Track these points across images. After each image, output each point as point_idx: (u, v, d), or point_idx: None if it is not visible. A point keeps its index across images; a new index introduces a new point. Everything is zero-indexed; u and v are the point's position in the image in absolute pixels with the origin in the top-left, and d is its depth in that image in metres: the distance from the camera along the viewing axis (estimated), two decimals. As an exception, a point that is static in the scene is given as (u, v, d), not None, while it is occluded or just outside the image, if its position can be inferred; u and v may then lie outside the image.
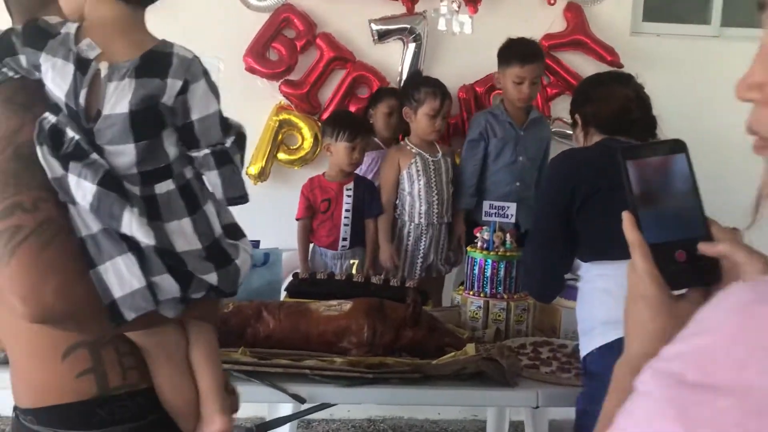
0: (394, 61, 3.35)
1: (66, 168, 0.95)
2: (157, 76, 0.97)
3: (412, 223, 2.89)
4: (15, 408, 1.08)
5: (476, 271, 2.28)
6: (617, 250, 1.71)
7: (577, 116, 2.01)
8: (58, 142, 0.96)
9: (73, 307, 0.93)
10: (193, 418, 1.09)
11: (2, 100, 0.99)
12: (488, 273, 2.26)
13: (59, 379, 1.02)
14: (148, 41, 1.01)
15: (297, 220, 2.81)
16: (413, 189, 2.88)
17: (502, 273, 2.25)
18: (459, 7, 3.32)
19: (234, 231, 1.09)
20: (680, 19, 3.57)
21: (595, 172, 1.80)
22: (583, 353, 1.77)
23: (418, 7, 3.29)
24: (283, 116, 3.28)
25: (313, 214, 2.79)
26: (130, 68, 0.96)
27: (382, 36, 3.30)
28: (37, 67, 0.97)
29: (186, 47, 1.01)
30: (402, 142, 2.97)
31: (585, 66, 3.39)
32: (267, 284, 2.25)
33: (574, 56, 3.40)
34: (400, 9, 3.29)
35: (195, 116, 1.00)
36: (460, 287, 2.39)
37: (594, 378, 1.68)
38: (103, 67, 0.96)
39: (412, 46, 3.31)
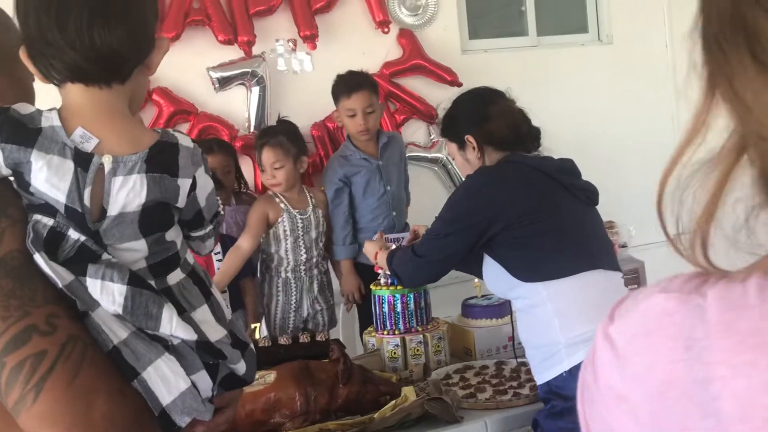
0: (240, 106, 3.21)
1: (81, 272, 0.84)
2: (167, 172, 0.90)
3: (280, 279, 2.73)
4: None
5: (386, 309, 2.21)
6: (560, 267, 1.75)
7: (469, 138, 1.93)
8: (55, 247, 0.84)
9: (126, 426, 0.82)
10: None
11: None
12: (399, 308, 2.20)
13: None
14: (139, 127, 0.93)
15: None
16: (279, 248, 2.71)
17: (412, 305, 2.21)
18: (295, 45, 3.27)
19: (232, 321, 1.03)
20: (502, 35, 3.78)
21: (518, 194, 1.80)
22: (547, 378, 1.74)
23: (256, 50, 3.18)
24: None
25: None
26: (138, 162, 0.88)
27: (223, 83, 3.15)
28: (18, 165, 0.85)
29: (182, 133, 0.98)
30: (269, 193, 2.79)
31: (426, 88, 3.48)
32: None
33: (416, 80, 3.47)
34: (238, 53, 3.16)
35: (203, 202, 0.98)
36: (371, 329, 2.30)
37: (569, 399, 1.66)
38: (107, 161, 0.87)
39: (255, 89, 3.19)
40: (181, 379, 0.88)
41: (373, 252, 2.17)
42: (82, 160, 0.86)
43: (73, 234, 0.86)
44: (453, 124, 2.06)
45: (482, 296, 2.40)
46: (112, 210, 0.87)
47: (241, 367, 0.97)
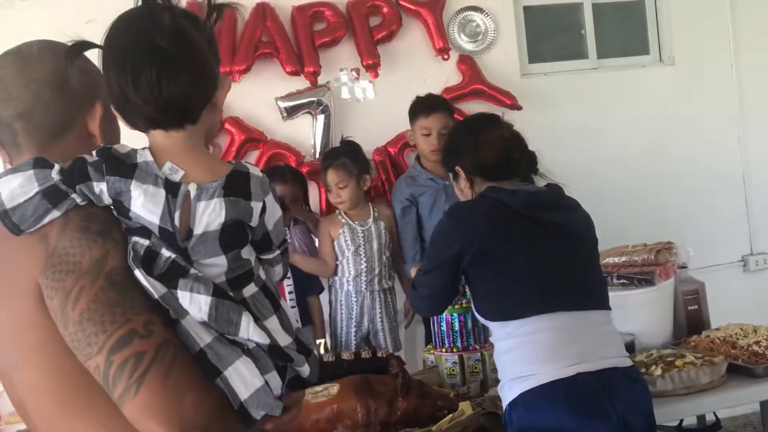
0: (306, 134, 3.36)
1: (173, 285, 0.98)
2: (241, 196, 1.04)
3: (342, 291, 2.85)
4: None
5: (444, 327, 2.29)
6: (509, 311, 1.75)
7: (458, 169, 1.94)
8: (151, 263, 0.98)
9: (210, 417, 0.95)
10: None
11: (76, 229, 0.98)
12: (456, 327, 2.28)
13: None
14: (216, 160, 1.08)
15: None
16: (342, 258, 2.86)
17: (470, 324, 2.27)
18: (358, 74, 3.41)
19: (300, 329, 1.14)
20: (562, 58, 3.83)
21: (486, 230, 1.78)
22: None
23: (321, 79, 3.33)
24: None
25: None
26: (218, 188, 1.02)
27: (291, 112, 3.32)
28: (117, 194, 0.99)
29: (252, 164, 1.11)
30: (335, 213, 2.95)
31: (487, 111, 3.55)
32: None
33: (476, 104, 3.54)
34: (304, 83, 3.32)
35: (270, 226, 1.11)
36: (430, 346, 2.38)
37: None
38: (192, 189, 1.01)
39: (321, 117, 3.34)
40: (256, 378, 0.99)
41: None
42: (172, 188, 1.00)
43: (165, 252, 0.99)
44: (446, 154, 2.10)
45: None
46: (198, 229, 1.00)
47: (305, 370, 1.08)
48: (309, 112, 3.35)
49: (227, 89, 1.12)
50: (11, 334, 1.02)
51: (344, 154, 2.94)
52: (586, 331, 1.74)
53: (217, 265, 1.02)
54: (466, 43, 3.57)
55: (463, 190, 1.96)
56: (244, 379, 0.98)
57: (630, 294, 2.39)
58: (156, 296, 0.97)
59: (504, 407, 1.75)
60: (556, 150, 3.66)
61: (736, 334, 2.27)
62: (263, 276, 1.10)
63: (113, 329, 0.93)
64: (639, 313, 2.38)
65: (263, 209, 1.07)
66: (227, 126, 3.26)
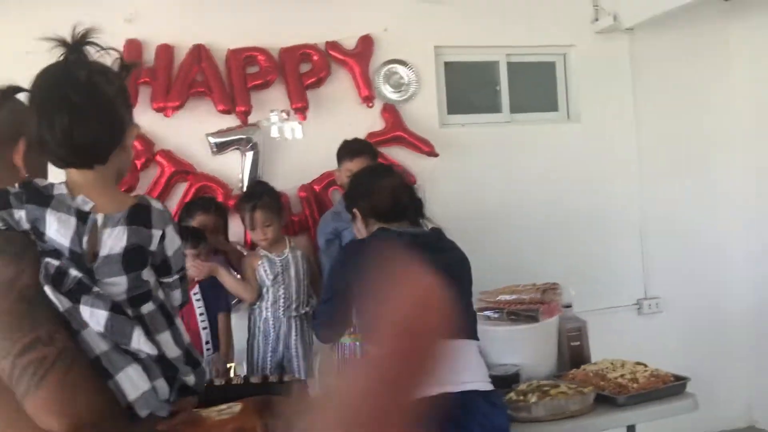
0: (235, 169, 3.55)
1: (76, 300, 1.14)
2: (142, 224, 1.23)
3: (261, 318, 3.02)
4: None
5: (347, 353, 2.49)
6: None
7: (355, 211, 2.21)
8: (60, 281, 1.15)
9: (100, 414, 1.12)
10: None
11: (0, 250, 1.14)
12: (359, 354, 2.48)
13: None
14: (122, 195, 1.28)
15: None
16: (262, 287, 3.03)
17: (370, 353, 2.48)
18: (288, 115, 3.63)
19: (191, 343, 1.31)
20: (478, 111, 4.14)
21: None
22: None
23: (252, 119, 3.54)
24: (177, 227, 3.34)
25: None
26: (122, 218, 1.21)
27: (221, 147, 3.51)
28: (35, 220, 1.16)
29: (155, 199, 1.29)
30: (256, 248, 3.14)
31: (406, 157, 3.82)
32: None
33: (397, 150, 3.81)
34: (236, 122, 3.52)
35: (170, 253, 1.28)
36: (334, 372, 2.57)
37: None
38: (100, 218, 1.20)
39: (249, 154, 3.54)
40: (144, 382, 1.18)
41: None
42: (82, 217, 1.19)
43: (73, 271, 1.17)
44: (346, 198, 2.37)
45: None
46: (103, 252, 1.19)
47: (191, 380, 1.27)
48: (238, 149, 3.54)
49: (135, 134, 1.31)
50: None
51: (268, 194, 3.14)
52: (453, 358, 1.97)
53: (119, 284, 1.20)
54: (390, 93, 3.84)
55: (360, 229, 2.20)
56: (132, 382, 1.17)
57: (517, 329, 2.65)
58: (61, 309, 1.15)
59: None
60: (469, 195, 3.99)
61: (606, 368, 2.54)
62: (161, 296, 1.29)
63: (20, 337, 1.10)
64: (525, 347, 2.64)
65: (162, 237, 1.26)
66: (158, 158, 3.42)
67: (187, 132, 3.48)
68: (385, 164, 2.41)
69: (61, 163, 1.23)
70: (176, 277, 1.33)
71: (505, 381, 2.51)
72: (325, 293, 2.13)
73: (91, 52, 1.27)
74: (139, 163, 3.39)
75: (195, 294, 2.88)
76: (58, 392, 1.09)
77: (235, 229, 3.39)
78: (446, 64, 4.03)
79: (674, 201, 4.30)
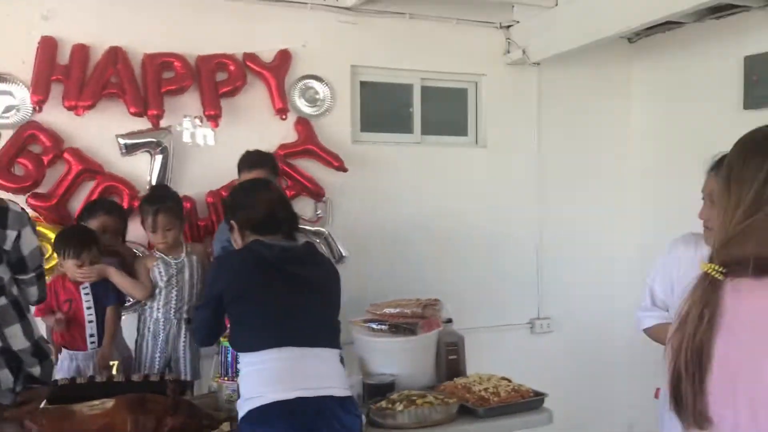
0: (144, 171, 3.61)
1: None
2: None
3: (152, 319, 3.09)
4: None
5: (229, 358, 2.59)
6: (249, 343, 2.11)
7: (232, 222, 2.32)
8: None
9: None
10: None
11: None
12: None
13: None
14: None
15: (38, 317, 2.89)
16: (156, 288, 3.09)
17: (252, 357, 2.58)
18: (201, 121, 3.71)
19: (43, 337, 1.41)
20: (390, 130, 4.31)
21: (240, 278, 2.16)
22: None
23: (165, 123, 3.61)
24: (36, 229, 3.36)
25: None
26: None
27: (130, 149, 3.56)
28: None
29: (14, 201, 1.37)
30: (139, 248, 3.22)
31: (317, 170, 3.95)
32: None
33: (308, 162, 3.94)
34: (147, 125, 3.58)
35: (26, 252, 1.42)
36: (216, 375, 2.67)
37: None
38: None
39: (159, 157, 3.60)
40: None
41: None
42: None
43: None
44: (224, 209, 2.49)
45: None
46: None
47: (36, 371, 1.37)
48: (148, 151, 3.60)
49: None
50: None
51: (171, 199, 3.21)
52: (310, 364, 2.11)
53: None
54: (304, 107, 3.97)
55: (236, 240, 2.32)
56: None
57: (396, 341, 2.80)
58: None
59: (238, 422, 2.08)
60: (376, 211, 4.15)
61: (474, 381, 2.72)
62: (15, 292, 1.38)
63: None
64: (402, 358, 2.79)
65: (18, 237, 1.36)
66: (66, 155, 3.46)
67: (98, 132, 3.53)
68: (264, 179, 2.54)
69: None
70: (32, 275, 1.43)
71: (380, 390, 2.66)
72: (202, 299, 2.25)
73: None
74: (46, 159, 3.42)
75: (84, 288, 2.93)
76: None
77: (135, 232, 3.44)
78: (362, 83, 4.19)
79: (570, 226, 4.56)
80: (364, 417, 2.45)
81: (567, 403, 4.30)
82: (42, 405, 2.39)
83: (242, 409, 2.05)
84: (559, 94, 4.55)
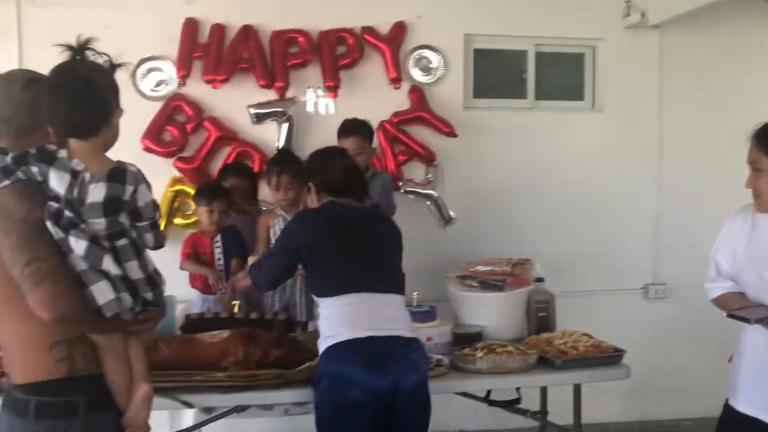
0: (272, 137, 4.02)
1: (67, 233, 1.63)
2: (119, 182, 1.69)
3: None
4: (7, 384, 1.71)
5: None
6: (329, 289, 2.39)
7: (310, 184, 2.62)
8: (58, 218, 1.64)
9: (75, 312, 1.63)
10: (127, 395, 1.75)
11: (17, 192, 1.65)
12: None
13: (44, 362, 1.65)
14: (107, 160, 1.73)
15: (182, 267, 3.42)
16: None
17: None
18: (324, 92, 4.05)
19: (157, 271, 1.77)
20: (503, 95, 4.43)
21: (320, 233, 2.46)
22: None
23: (289, 94, 3.99)
24: (178, 187, 3.91)
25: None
26: (103, 176, 1.68)
27: (260, 118, 3.98)
28: (44, 175, 1.65)
29: (131, 164, 1.73)
30: (270, 206, 3.61)
31: (428, 136, 4.17)
32: (163, 325, 2.80)
33: (420, 128, 4.17)
34: (274, 96, 3.98)
35: (140, 204, 1.74)
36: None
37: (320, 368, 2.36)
38: (87, 175, 1.67)
39: (285, 125, 4.00)
40: (110, 293, 1.65)
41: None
42: (75, 174, 1.66)
43: (68, 213, 1.65)
44: (303, 172, 2.79)
45: (417, 305, 3.04)
46: (88, 200, 1.66)
47: (149, 296, 1.74)
48: (276, 120, 4.01)
49: (119, 116, 1.77)
50: None
51: (293, 162, 3.58)
52: (380, 307, 2.39)
53: (99, 224, 1.67)
54: (418, 76, 4.19)
55: (312, 200, 2.63)
56: (101, 292, 1.65)
57: (484, 295, 3.01)
58: (56, 238, 1.63)
59: (318, 357, 2.40)
60: (487, 175, 4.31)
61: (557, 336, 2.86)
62: (134, 236, 1.75)
63: (27, 253, 1.60)
64: (489, 312, 2.99)
65: (134, 192, 1.71)
66: (206, 123, 3.94)
67: (232, 103, 3.97)
68: (338, 147, 2.81)
69: (63, 136, 1.70)
70: (146, 223, 1.77)
71: (467, 338, 2.88)
72: (276, 247, 2.60)
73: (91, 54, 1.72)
74: (189, 127, 3.92)
75: (216, 242, 3.39)
76: (47, 294, 1.59)
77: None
78: (475, 51, 4.33)
79: (692, 193, 4.44)
80: (447, 360, 2.70)
81: (674, 368, 4.30)
82: (177, 330, 2.86)
83: (321, 346, 2.37)
84: (683, 58, 4.42)
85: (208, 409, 2.96)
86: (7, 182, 1.66)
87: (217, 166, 3.97)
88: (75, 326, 1.66)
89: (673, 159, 4.47)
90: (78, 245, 1.64)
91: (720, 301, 2.33)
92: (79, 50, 1.71)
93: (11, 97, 1.76)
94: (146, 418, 1.80)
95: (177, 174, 3.93)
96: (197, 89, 3.95)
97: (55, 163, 1.66)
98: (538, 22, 4.32)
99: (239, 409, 2.89)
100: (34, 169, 1.66)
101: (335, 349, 2.31)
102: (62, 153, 1.69)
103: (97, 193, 1.67)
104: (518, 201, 4.31)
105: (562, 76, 4.51)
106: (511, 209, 4.31)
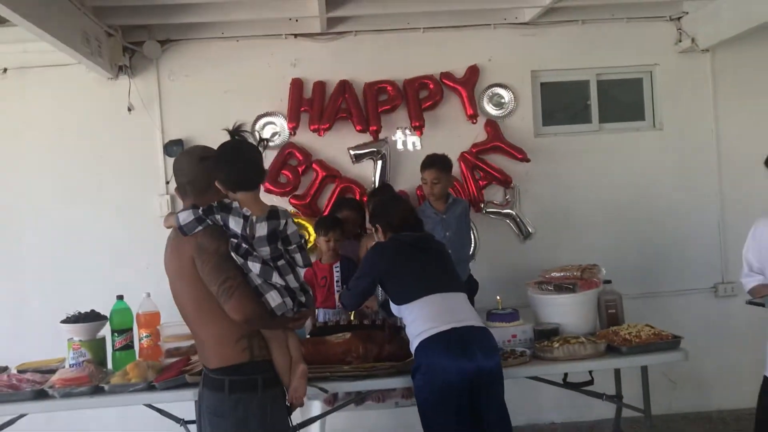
0: (369, 173, 4.71)
1: (245, 259, 2.31)
2: (275, 219, 2.37)
3: None
4: (204, 369, 2.40)
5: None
6: (409, 296, 3.16)
7: (377, 226, 3.29)
8: (237, 249, 2.33)
9: (257, 315, 2.30)
10: (288, 373, 2.43)
11: (208, 235, 2.34)
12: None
13: (233, 352, 2.33)
14: (264, 205, 2.41)
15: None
16: None
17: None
18: (411, 131, 4.71)
19: (305, 282, 2.46)
20: (570, 121, 4.96)
21: (393, 258, 3.11)
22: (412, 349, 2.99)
23: (381, 135, 4.67)
24: (294, 221, 4.64)
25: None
26: (264, 217, 2.35)
27: (358, 158, 4.68)
28: (224, 220, 2.34)
29: (281, 207, 2.41)
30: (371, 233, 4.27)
31: (504, 162, 4.75)
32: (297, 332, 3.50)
33: (496, 156, 4.76)
34: (369, 138, 4.67)
35: (289, 232, 2.41)
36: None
37: (417, 361, 2.93)
38: (254, 218, 2.35)
39: (380, 162, 4.68)
40: (278, 298, 2.32)
41: None
42: (246, 217, 2.35)
43: (244, 245, 2.33)
44: (371, 216, 3.44)
45: (501, 308, 3.61)
46: (257, 235, 2.34)
47: (302, 299, 2.40)
48: (372, 158, 4.69)
49: (267, 174, 2.47)
50: (181, 275, 2.41)
51: (390, 191, 4.25)
52: (453, 304, 3.00)
53: (266, 250, 2.35)
54: (492, 110, 4.79)
55: (379, 237, 3.30)
56: (273, 299, 2.32)
57: (558, 297, 3.53)
58: (239, 263, 2.32)
59: (413, 353, 3.01)
60: (559, 194, 4.84)
61: (623, 328, 3.36)
62: (289, 257, 2.42)
63: (221, 275, 2.29)
64: (564, 311, 3.51)
65: (285, 224, 2.39)
66: (314, 166, 4.67)
67: (335, 146, 4.69)
68: (396, 194, 3.78)
69: (233, 191, 2.40)
70: (295, 245, 2.45)
71: (545, 334, 3.41)
72: (361, 272, 3.25)
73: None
74: (300, 169, 4.66)
75: (336, 267, 4.07)
76: (238, 303, 2.28)
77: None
78: (542, 84, 4.89)
79: (753, 200, 4.79)
80: (530, 352, 3.25)
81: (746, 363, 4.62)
82: (307, 335, 3.55)
83: (414, 343, 2.97)
84: (734, 77, 4.84)
85: (331, 401, 3.62)
86: (200, 227, 2.37)
87: (324, 201, 4.68)
88: (255, 324, 2.34)
89: (732, 170, 4.86)
90: (254, 267, 2.33)
91: (754, 291, 2.83)
92: (235, 132, 2.42)
93: (192, 167, 2.47)
94: (304, 391, 2.46)
95: (293, 209, 4.66)
96: (305, 137, 4.68)
97: (232, 211, 2.35)
98: (597, 53, 4.84)
99: (357, 402, 3.55)
100: (218, 216, 2.35)
101: (427, 342, 2.89)
102: (235, 204, 2.38)
103: (261, 229, 2.35)
104: (588, 214, 4.81)
105: (623, 100, 4.99)
106: (582, 222, 4.81)
